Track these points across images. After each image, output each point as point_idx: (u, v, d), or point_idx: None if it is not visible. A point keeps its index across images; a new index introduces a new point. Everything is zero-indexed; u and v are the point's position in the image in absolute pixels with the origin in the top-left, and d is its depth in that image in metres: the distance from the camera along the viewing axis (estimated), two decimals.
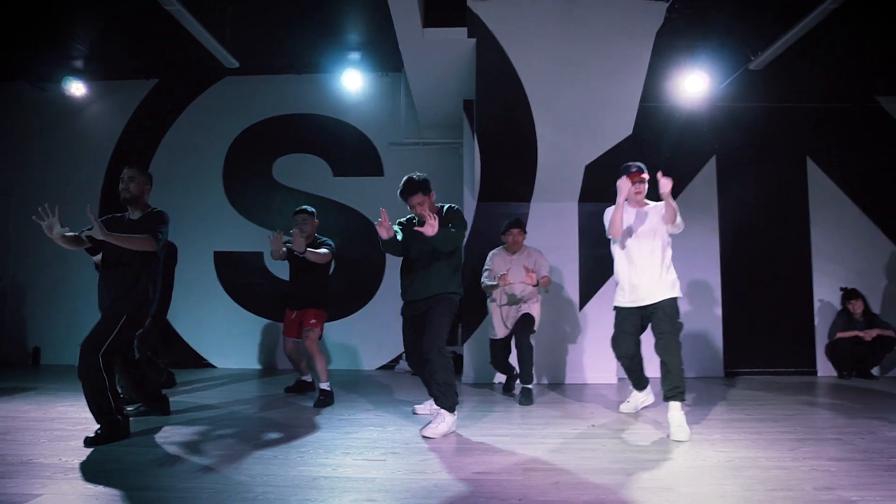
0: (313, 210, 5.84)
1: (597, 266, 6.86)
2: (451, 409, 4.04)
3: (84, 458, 3.39)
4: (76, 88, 8.24)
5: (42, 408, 4.98)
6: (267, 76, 8.33)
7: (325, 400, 5.18)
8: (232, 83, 8.43)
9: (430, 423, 4.05)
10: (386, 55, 7.69)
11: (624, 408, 4.95)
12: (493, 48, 5.61)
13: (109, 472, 3.11)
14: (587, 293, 6.89)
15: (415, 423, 4.39)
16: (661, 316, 4.21)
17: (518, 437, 3.96)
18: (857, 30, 6.34)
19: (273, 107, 8.41)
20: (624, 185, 4.31)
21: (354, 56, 7.80)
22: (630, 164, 4.44)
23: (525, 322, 5.54)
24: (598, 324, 6.83)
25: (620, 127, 6.25)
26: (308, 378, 5.99)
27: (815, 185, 7.69)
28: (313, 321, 5.55)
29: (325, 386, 5.30)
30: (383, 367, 7.96)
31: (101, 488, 2.84)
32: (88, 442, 3.69)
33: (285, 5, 6.60)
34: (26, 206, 8.39)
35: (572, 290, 6.89)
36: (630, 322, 4.41)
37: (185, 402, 5.27)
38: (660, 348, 4.14)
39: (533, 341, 5.60)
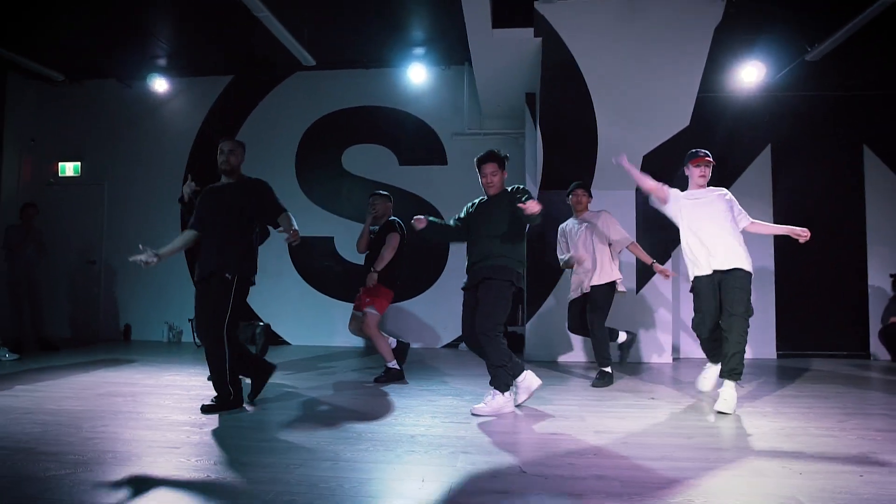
0: (386, 193, 5.95)
1: (654, 251, 7.09)
2: (502, 390, 4.13)
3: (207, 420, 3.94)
4: (159, 85, 8.87)
5: (152, 376, 5.60)
6: (336, 71, 8.81)
7: (388, 377, 5.40)
8: (302, 78, 8.93)
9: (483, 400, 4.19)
10: (449, 50, 8.09)
11: (702, 384, 4.85)
12: (558, 46, 5.96)
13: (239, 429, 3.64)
14: (644, 278, 7.19)
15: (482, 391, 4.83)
16: (735, 287, 4.25)
17: (585, 406, 4.36)
18: None
19: (342, 100, 8.90)
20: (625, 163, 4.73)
21: (419, 51, 8.23)
22: (697, 150, 4.65)
23: (596, 302, 5.46)
24: (655, 307, 7.16)
25: (678, 118, 6.52)
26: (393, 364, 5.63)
27: (871, 171, 7.81)
28: (368, 300, 5.54)
29: (391, 364, 5.48)
30: (447, 346, 8.44)
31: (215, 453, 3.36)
32: (205, 409, 4.09)
33: (355, 4, 7.02)
34: (117, 196, 9.24)
35: (630, 275, 7.21)
36: (710, 294, 4.39)
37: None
38: (727, 325, 4.21)
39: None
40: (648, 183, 4.63)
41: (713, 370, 4.76)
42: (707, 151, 4.60)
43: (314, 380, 5.55)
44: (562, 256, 5.77)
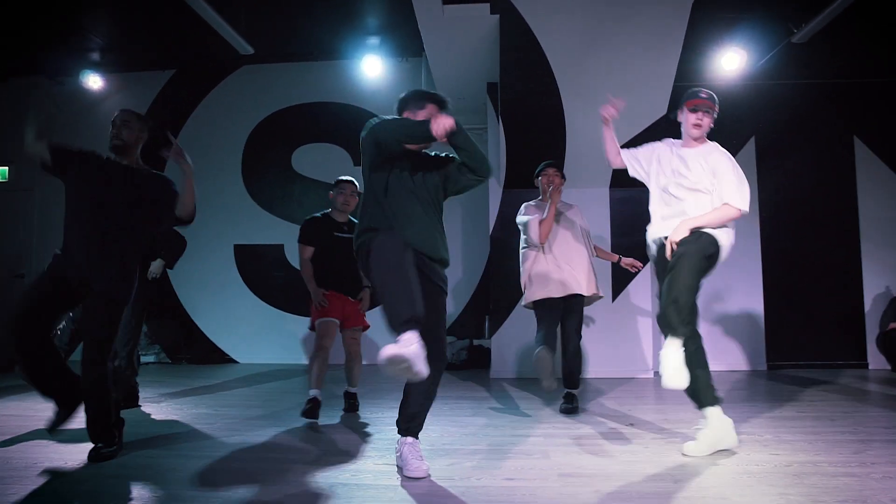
0: (353, 179, 4.80)
1: (630, 254, 6.51)
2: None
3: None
4: (93, 81, 8.14)
5: None
6: (284, 64, 8.15)
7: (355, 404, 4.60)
8: (249, 72, 8.25)
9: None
10: (406, 39, 7.44)
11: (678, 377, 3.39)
12: (518, 24, 5.31)
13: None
14: (620, 284, 6.56)
15: (436, 421, 4.13)
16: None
17: (551, 438, 3.67)
18: None
19: (291, 96, 8.22)
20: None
21: (374, 41, 7.59)
22: (699, 89, 3.65)
23: (573, 308, 4.53)
24: (631, 316, 6.53)
25: (654, 107, 5.93)
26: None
27: (863, 165, 7.24)
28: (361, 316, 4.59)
29: (355, 390, 4.64)
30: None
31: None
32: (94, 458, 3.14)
33: None
34: (48, 203, 8.41)
35: (604, 281, 6.55)
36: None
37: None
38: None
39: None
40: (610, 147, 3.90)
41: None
42: (711, 94, 3.61)
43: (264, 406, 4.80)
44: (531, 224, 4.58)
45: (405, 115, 3.13)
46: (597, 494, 2.61)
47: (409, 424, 2.98)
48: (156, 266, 5.07)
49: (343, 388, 4.68)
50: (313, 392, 4.12)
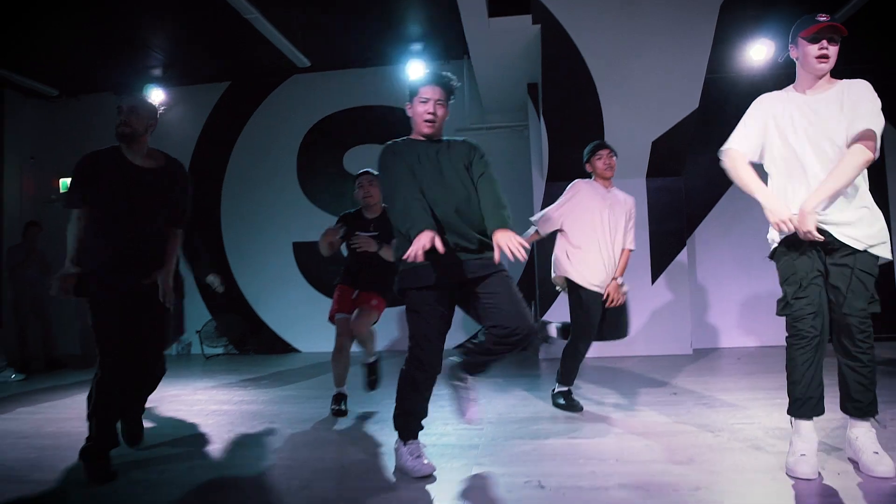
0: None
1: (667, 240, 6.96)
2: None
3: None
4: (156, 95, 8.71)
5: (158, 391, 5.45)
6: (332, 72, 8.64)
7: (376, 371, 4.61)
8: (299, 81, 8.77)
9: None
10: (447, 44, 7.89)
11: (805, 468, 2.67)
12: (558, 33, 5.74)
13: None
14: (659, 267, 6.97)
15: (503, 393, 4.64)
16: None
17: (602, 405, 4.16)
18: None
19: (341, 101, 8.72)
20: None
21: (416, 47, 8.05)
22: (813, 14, 2.74)
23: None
24: (670, 296, 6.94)
25: (686, 102, 6.30)
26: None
27: (892, 148, 7.52)
28: (375, 302, 4.44)
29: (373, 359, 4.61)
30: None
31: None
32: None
33: (347, 2, 6.84)
34: None
35: (643, 265, 6.98)
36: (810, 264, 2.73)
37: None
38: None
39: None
40: None
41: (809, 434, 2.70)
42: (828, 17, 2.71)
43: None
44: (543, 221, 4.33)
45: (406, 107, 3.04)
46: (648, 448, 3.10)
47: None
48: (213, 280, 5.62)
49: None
50: (338, 389, 4.41)
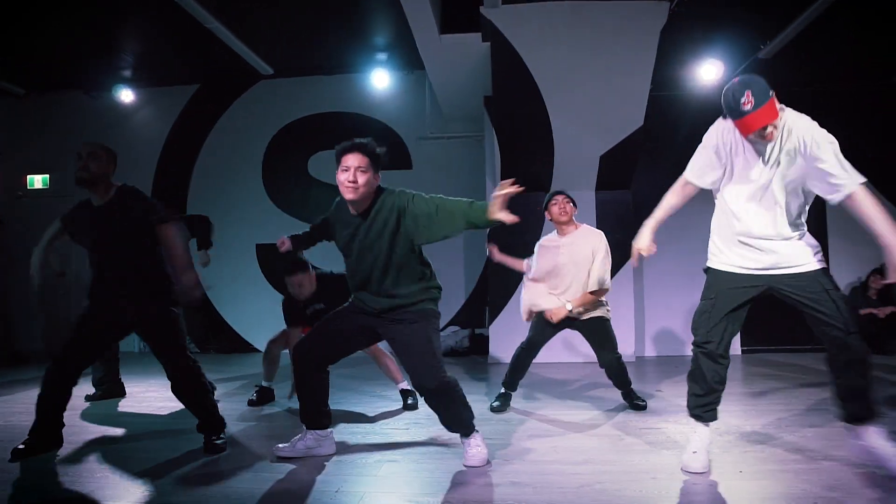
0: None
1: (614, 251, 7.17)
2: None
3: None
4: (126, 96, 8.86)
5: None
6: (300, 78, 8.82)
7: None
8: (267, 86, 8.94)
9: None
10: (411, 55, 8.01)
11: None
12: (507, 50, 5.99)
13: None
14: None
15: None
16: None
17: (534, 411, 4.40)
18: (868, 11, 6.45)
19: (306, 107, 8.91)
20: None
21: (381, 56, 8.25)
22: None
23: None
24: (616, 305, 7.18)
25: (632, 118, 6.56)
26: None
27: None
28: None
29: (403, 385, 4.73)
30: None
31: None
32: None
33: (314, 11, 7.01)
34: None
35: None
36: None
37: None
38: None
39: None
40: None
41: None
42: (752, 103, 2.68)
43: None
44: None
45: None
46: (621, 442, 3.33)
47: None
48: (200, 256, 5.78)
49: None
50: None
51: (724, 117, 2.86)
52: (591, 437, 3.61)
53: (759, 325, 7.63)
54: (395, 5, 6.75)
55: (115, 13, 6.97)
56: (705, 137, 3.01)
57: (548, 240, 4.64)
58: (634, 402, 4.46)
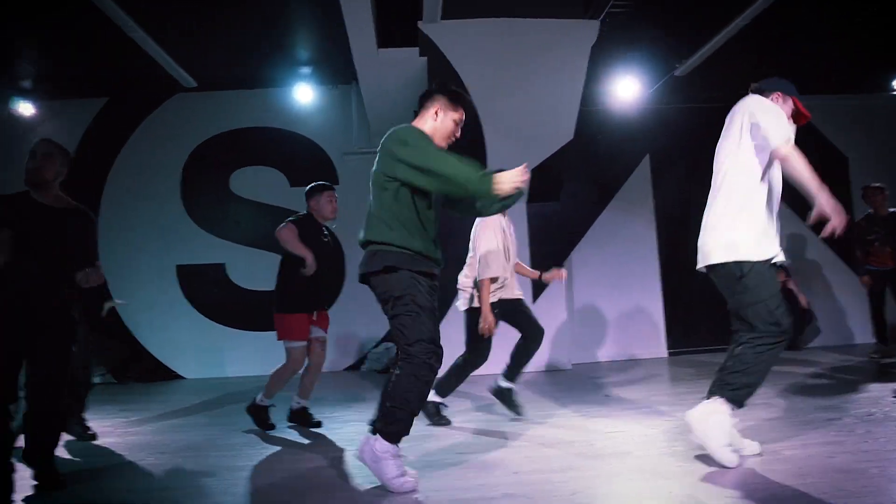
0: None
1: (546, 262, 7.34)
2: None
3: None
4: (24, 109, 8.26)
5: None
6: (219, 92, 8.50)
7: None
8: (184, 99, 8.57)
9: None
10: (336, 69, 8.00)
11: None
12: (443, 65, 6.06)
13: None
14: (539, 287, 7.37)
15: None
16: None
17: (493, 423, 4.41)
18: (777, 32, 6.93)
19: (227, 121, 8.60)
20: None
21: (305, 70, 8.12)
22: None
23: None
24: (550, 315, 7.34)
25: (562, 132, 6.76)
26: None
27: None
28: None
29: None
30: (350, 368, 8.29)
31: None
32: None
33: (236, 24, 6.82)
34: None
35: (524, 286, 7.26)
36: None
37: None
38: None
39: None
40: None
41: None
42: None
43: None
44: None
45: (436, 106, 3.28)
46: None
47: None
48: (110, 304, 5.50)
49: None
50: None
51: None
52: (559, 445, 3.65)
53: (684, 327, 8.15)
54: (323, 18, 6.70)
55: (14, 15, 6.46)
56: (776, 108, 3.13)
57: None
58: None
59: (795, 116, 3.26)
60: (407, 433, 2.93)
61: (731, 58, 7.22)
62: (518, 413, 4.47)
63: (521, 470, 3.17)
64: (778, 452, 3.17)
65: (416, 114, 3.28)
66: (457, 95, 3.23)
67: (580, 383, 6.15)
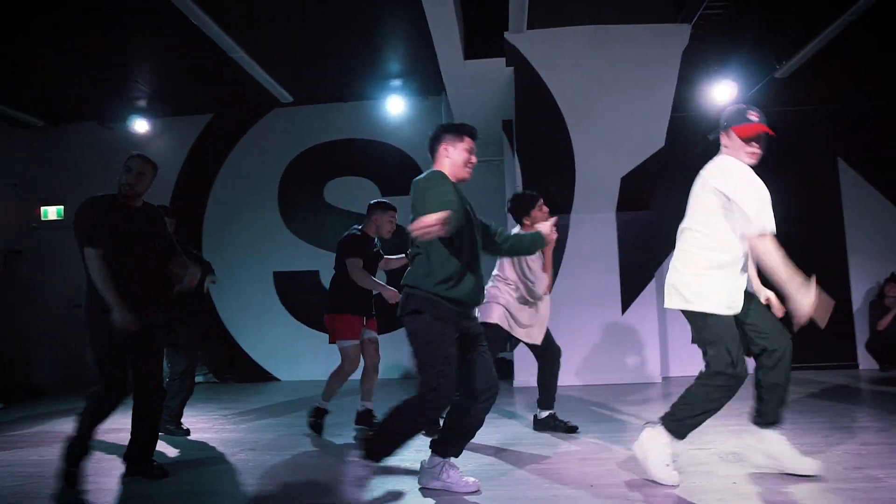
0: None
1: (636, 272, 7.21)
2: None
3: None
4: (140, 126, 8.89)
5: None
6: (315, 106, 8.88)
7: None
8: (281, 114, 8.99)
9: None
10: (425, 80, 8.16)
11: None
12: (530, 75, 6.05)
13: None
14: (629, 298, 7.21)
15: None
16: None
17: (577, 435, 4.36)
18: (885, 31, 6.52)
19: (322, 134, 8.96)
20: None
21: (396, 83, 8.33)
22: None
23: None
24: (640, 326, 7.17)
25: (653, 139, 6.62)
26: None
27: (847, 183, 7.89)
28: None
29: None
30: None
31: None
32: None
33: (329, 41, 7.09)
34: None
35: (613, 296, 7.20)
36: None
37: None
38: None
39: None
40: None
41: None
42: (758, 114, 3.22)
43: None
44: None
45: (443, 146, 3.29)
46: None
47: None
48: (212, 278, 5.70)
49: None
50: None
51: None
52: (582, 462, 3.56)
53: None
54: (412, 32, 6.87)
55: (130, 42, 7.02)
56: (759, 186, 3.15)
57: None
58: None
59: (755, 139, 3.24)
60: (388, 455, 3.08)
61: (836, 58, 6.83)
62: (574, 431, 4.38)
63: (600, 483, 3.12)
64: (881, 480, 2.97)
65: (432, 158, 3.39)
66: (457, 127, 3.33)
67: (666, 398, 5.94)
